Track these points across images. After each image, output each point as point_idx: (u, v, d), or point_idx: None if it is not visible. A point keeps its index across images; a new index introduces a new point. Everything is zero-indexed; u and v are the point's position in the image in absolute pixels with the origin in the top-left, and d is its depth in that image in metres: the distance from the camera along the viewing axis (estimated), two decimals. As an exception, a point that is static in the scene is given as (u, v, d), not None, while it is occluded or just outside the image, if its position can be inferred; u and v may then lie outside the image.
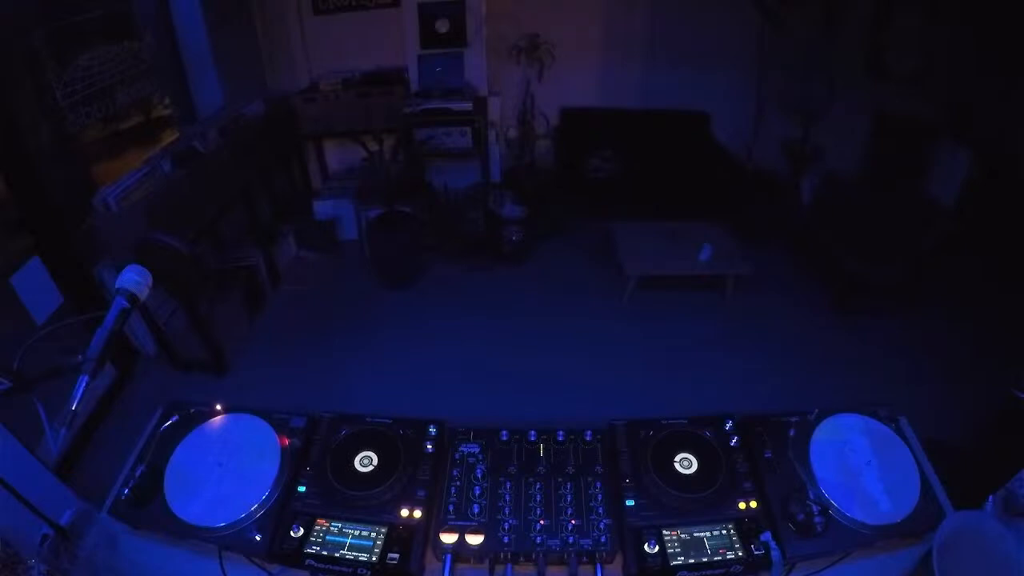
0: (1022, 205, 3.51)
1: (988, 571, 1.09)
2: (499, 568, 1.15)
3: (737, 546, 1.13)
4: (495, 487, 1.23)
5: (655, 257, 3.93)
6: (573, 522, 1.17)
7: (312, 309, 4.04)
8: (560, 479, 1.25)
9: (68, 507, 1.30)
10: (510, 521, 1.17)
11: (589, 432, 1.33)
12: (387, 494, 1.21)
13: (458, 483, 1.24)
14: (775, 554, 1.10)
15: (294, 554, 1.14)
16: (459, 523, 1.17)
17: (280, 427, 1.33)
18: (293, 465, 1.28)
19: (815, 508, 1.13)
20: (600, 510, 1.19)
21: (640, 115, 4.98)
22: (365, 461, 1.26)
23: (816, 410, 1.31)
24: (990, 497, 1.23)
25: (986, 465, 1.43)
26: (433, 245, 4.38)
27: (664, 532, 1.15)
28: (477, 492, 1.22)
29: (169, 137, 3.76)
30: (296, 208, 4.71)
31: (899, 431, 1.31)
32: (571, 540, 1.14)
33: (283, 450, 1.29)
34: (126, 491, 1.21)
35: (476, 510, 1.19)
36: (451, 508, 1.19)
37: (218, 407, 1.36)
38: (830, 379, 3.20)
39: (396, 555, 1.13)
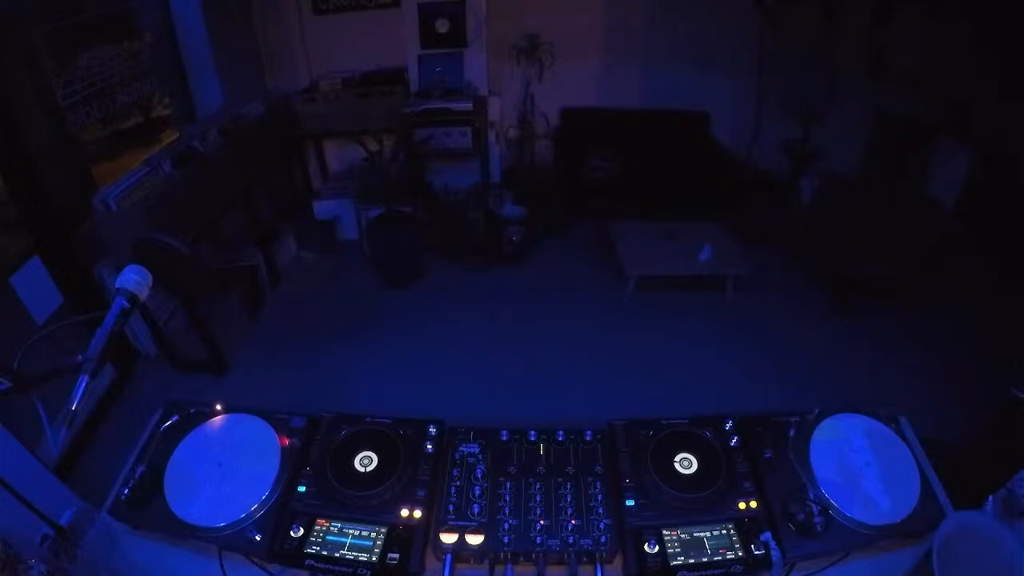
0: (1022, 205, 3.52)
1: (988, 571, 1.09)
2: (499, 568, 1.14)
3: (737, 546, 1.13)
4: (495, 487, 1.23)
5: (655, 257, 3.93)
6: (573, 522, 1.17)
7: (312, 309, 4.04)
8: (560, 479, 1.25)
9: (68, 507, 1.30)
10: (510, 521, 1.17)
11: (589, 432, 1.33)
12: (387, 494, 1.21)
13: (458, 483, 1.24)
14: (775, 554, 1.10)
15: (294, 554, 1.14)
16: (459, 523, 1.17)
17: (280, 427, 1.33)
18: (293, 465, 1.27)
19: (815, 508, 1.13)
20: (600, 510, 1.19)
21: (640, 115, 4.98)
22: (365, 461, 1.25)
23: (816, 410, 1.31)
24: (990, 497, 1.23)
25: (986, 465, 1.43)
26: (433, 245, 4.38)
27: (664, 532, 1.15)
28: (477, 492, 1.22)
29: (169, 137, 3.76)
30: (296, 208, 4.71)
31: (899, 431, 1.31)
32: (571, 540, 1.14)
33: (283, 450, 1.29)
34: (126, 491, 1.21)
35: (476, 510, 1.19)
36: (451, 508, 1.19)
37: (218, 407, 1.36)
38: (830, 379, 3.20)
39: (396, 555, 1.13)
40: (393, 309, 3.99)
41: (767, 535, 1.12)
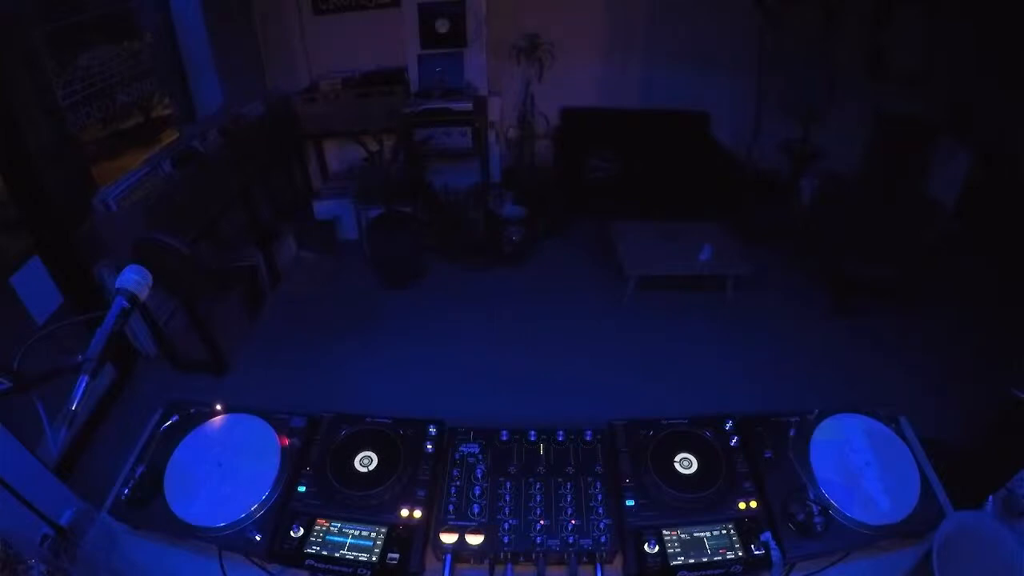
0: (1022, 205, 3.52)
1: (988, 571, 1.09)
2: (499, 568, 1.14)
3: (737, 546, 1.13)
4: (495, 487, 1.23)
5: (655, 257, 3.93)
6: (573, 522, 1.17)
7: (312, 309, 4.04)
8: (560, 479, 1.25)
9: (68, 507, 1.30)
10: (510, 521, 1.17)
11: (589, 432, 1.33)
12: (387, 494, 1.21)
13: (458, 483, 1.24)
14: (775, 554, 1.10)
15: (294, 554, 1.14)
16: (459, 523, 1.17)
17: (280, 427, 1.33)
18: (293, 465, 1.27)
19: (815, 508, 1.13)
20: (600, 510, 1.19)
21: (640, 115, 4.99)
22: (365, 461, 1.25)
23: (816, 410, 1.31)
24: (990, 497, 1.23)
25: (986, 465, 1.43)
26: (433, 245, 4.38)
27: (664, 532, 1.15)
28: (477, 492, 1.22)
29: (169, 137, 3.76)
30: (296, 208, 4.71)
31: (899, 431, 1.31)
32: (571, 540, 1.14)
33: (283, 450, 1.29)
34: (126, 491, 1.21)
35: (476, 510, 1.19)
36: (451, 508, 1.19)
37: (218, 407, 1.36)
38: (830, 379, 3.20)
39: (396, 555, 1.13)
40: (393, 309, 3.99)
41: (767, 535, 1.12)
